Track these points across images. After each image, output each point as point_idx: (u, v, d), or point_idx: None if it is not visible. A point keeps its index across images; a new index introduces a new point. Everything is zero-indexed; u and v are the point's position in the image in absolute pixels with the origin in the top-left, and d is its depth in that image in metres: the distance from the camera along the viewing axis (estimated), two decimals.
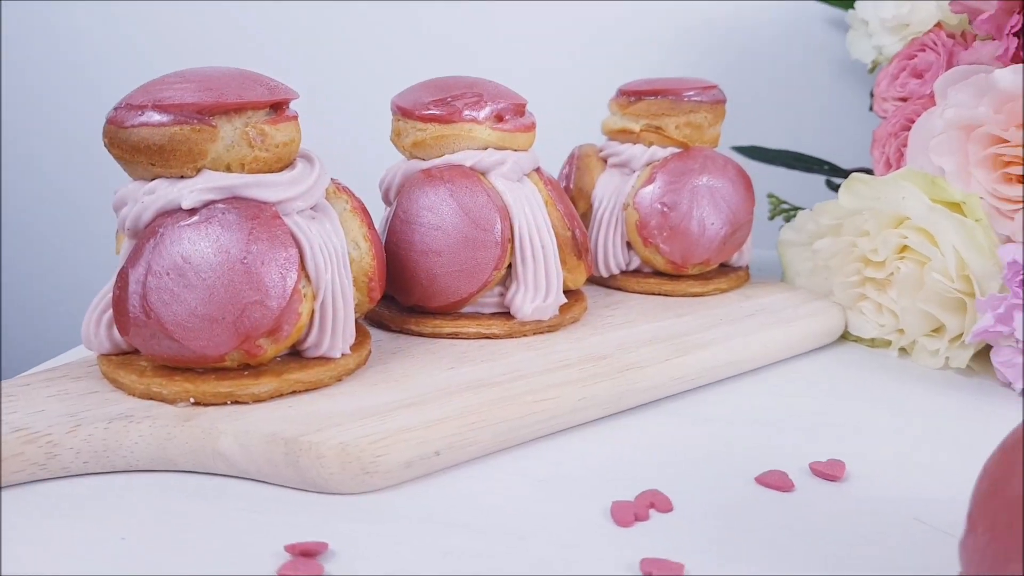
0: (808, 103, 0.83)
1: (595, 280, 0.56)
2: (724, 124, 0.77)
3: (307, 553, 0.28)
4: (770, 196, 0.67)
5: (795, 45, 0.82)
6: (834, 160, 0.69)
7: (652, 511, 0.32)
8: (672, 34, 0.84)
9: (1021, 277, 0.42)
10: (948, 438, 0.39)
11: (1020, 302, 0.43)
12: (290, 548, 0.29)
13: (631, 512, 0.32)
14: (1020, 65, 0.49)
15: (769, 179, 0.74)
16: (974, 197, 0.48)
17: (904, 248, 0.49)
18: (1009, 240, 0.49)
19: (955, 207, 0.49)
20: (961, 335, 0.47)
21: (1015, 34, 0.51)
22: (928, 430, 0.40)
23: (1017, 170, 0.48)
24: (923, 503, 0.33)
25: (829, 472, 0.35)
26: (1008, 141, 0.49)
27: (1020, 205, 0.48)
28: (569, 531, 0.31)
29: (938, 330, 0.49)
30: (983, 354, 0.48)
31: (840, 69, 0.81)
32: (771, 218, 0.68)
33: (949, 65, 0.58)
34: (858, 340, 0.52)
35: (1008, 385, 0.45)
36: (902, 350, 0.50)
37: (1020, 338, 0.43)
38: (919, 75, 0.60)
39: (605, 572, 0.28)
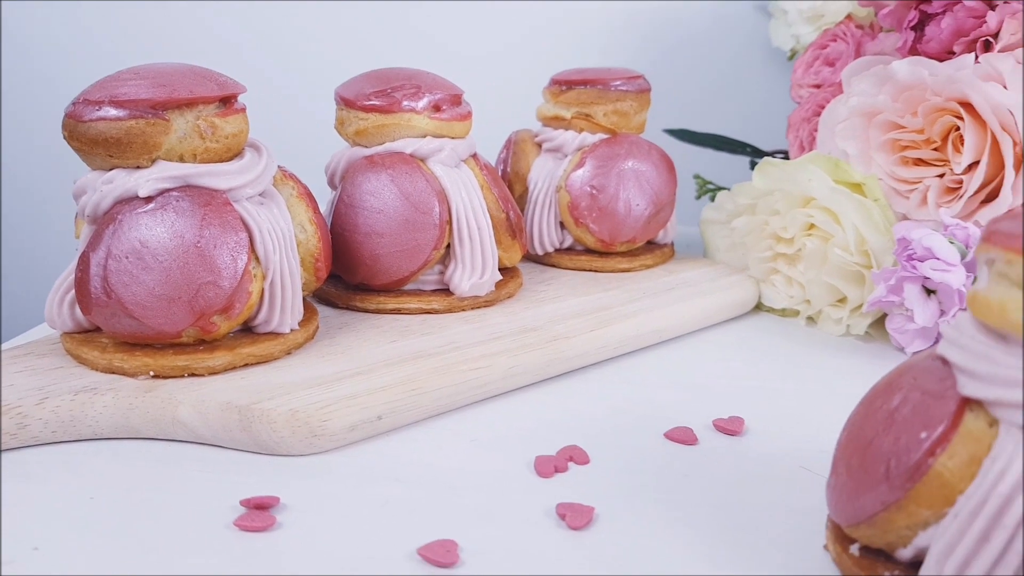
0: (735, 89, 0.87)
1: (531, 258, 0.60)
2: (657, 108, 0.81)
3: (260, 506, 0.32)
4: (696, 177, 0.71)
5: (723, 34, 0.87)
6: (757, 143, 0.74)
7: (571, 464, 0.36)
8: (607, 24, 0.87)
9: (909, 252, 0.47)
10: (841, 396, 0.44)
11: (909, 274, 0.47)
12: (245, 502, 0.32)
13: (551, 465, 0.36)
14: (917, 57, 0.54)
15: (698, 161, 0.78)
16: (873, 179, 0.53)
17: (811, 226, 0.54)
18: (906, 218, 0.54)
19: (857, 188, 0.53)
20: (861, 305, 0.52)
21: (912, 27, 0.55)
22: (824, 390, 0.45)
23: (913, 154, 0.53)
24: (812, 453, 0.38)
25: (729, 427, 0.39)
26: (905, 127, 0.53)
27: (916, 186, 0.53)
28: (495, 482, 0.35)
29: (842, 301, 0.53)
30: (881, 322, 0.53)
31: (766, 57, 0.86)
32: (698, 198, 0.72)
33: (858, 55, 0.63)
34: (770, 310, 0.57)
35: (901, 349, 0.50)
36: (809, 319, 0.55)
37: (910, 307, 0.48)
38: (831, 64, 0.65)
39: (525, 515, 0.32)
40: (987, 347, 0.25)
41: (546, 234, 0.58)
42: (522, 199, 0.59)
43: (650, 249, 0.61)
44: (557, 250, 0.59)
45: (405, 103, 0.48)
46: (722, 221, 0.61)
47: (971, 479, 0.25)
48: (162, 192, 0.39)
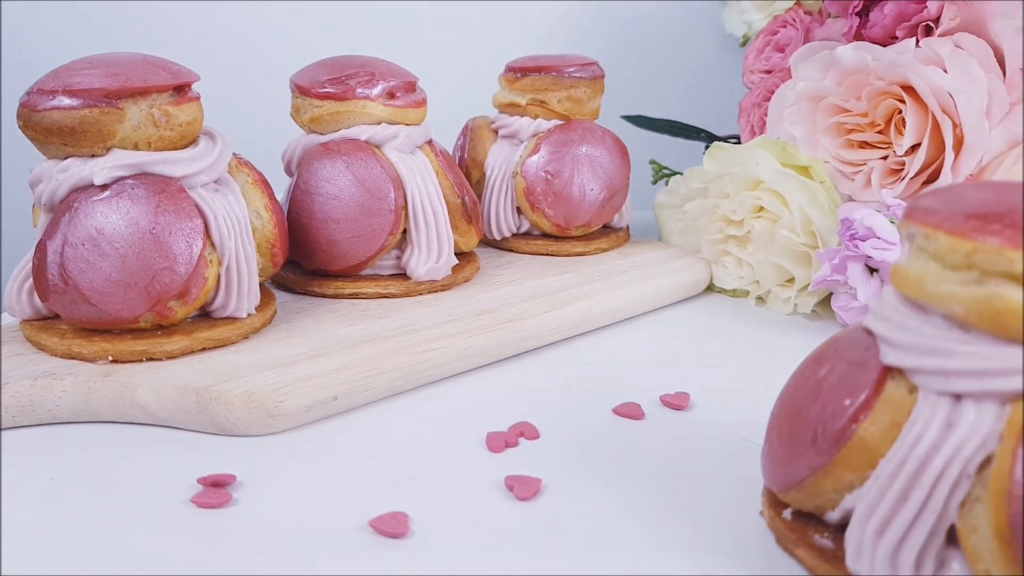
0: (691, 75, 0.89)
1: (489, 242, 0.61)
2: (615, 95, 0.82)
3: (217, 484, 0.33)
4: (652, 162, 0.72)
5: (679, 22, 0.88)
6: (712, 128, 0.75)
7: (521, 439, 0.37)
8: (566, 12, 0.88)
9: (851, 232, 0.49)
10: (786, 372, 0.45)
11: (851, 254, 0.49)
12: (202, 480, 0.33)
13: (502, 440, 0.37)
14: (861, 42, 0.56)
15: (655, 147, 0.80)
16: (819, 162, 0.55)
17: (759, 208, 0.55)
18: (851, 199, 0.55)
19: (803, 171, 0.55)
20: (808, 285, 0.54)
21: (857, 13, 0.57)
22: (770, 366, 0.46)
23: (858, 136, 0.55)
24: (753, 426, 0.39)
25: (676, 402, 0.41)
26: (850, 111, 0.55)
27: (860, 168, 0.54)
28: (448, 457, 0.36)
29: (790, 281, 0.55)
30: (827, 300, 0.54)
31: (720, 44, 0.87)
32: (654, 183, 0.73)
33: (806, 40, 0.64)
34: (721, 291, 0.58)
35: (845, 326, 0.52)
36: (759, 299, 0.57)
37: (853, 285, 0.49)
38: (781, 49, 0.66)
39: (475, 488, 0.33)
40: (907, 318, 0.27)
41: (503, 219, 0.59)
42: (479, 185, 0.60)
43: (605, 233, 0.62)
44: (514, 235, 0.60)
45: (359, 90, 0.48)
46: (675, 205, 0.62)
47: (892, 443, 0.26)
48: (117, 180, 0.39)
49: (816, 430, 0.27)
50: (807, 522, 0.29)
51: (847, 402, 0.27)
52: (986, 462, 0.24)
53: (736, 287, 0.57)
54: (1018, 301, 0.24)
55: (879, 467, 0.26)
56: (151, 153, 0.40)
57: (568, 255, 0.59)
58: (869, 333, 0.28)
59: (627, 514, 0.32)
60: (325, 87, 0.48)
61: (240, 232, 0.41)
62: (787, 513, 0.30)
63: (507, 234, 0.60)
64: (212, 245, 0.41)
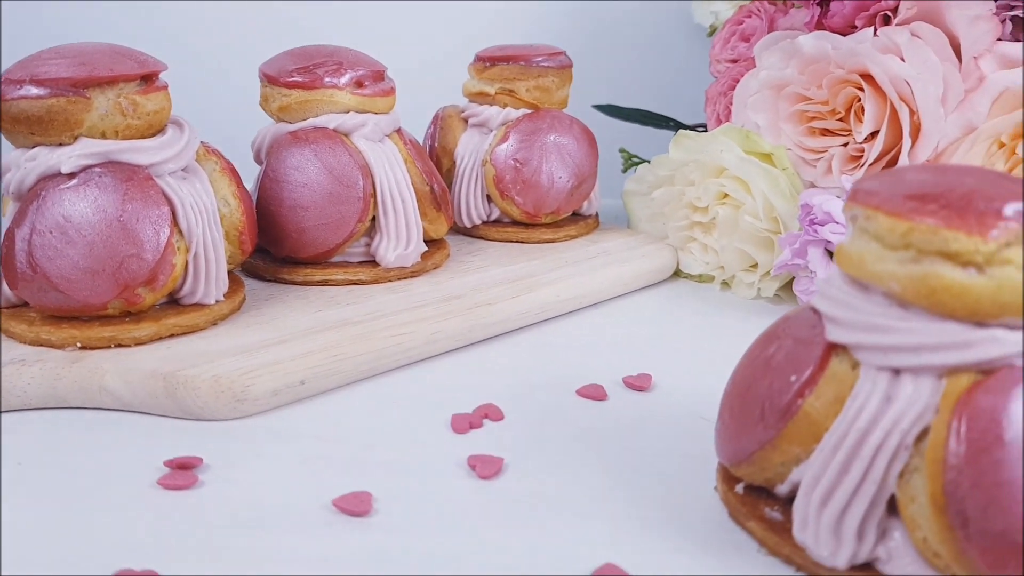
0: (661, 65, 0.90)
1: (459, 230, 0.62)
2: (587, 84, 0.83)
3: (184, 466, 0.33)
4: (622, 151, 0.73)
5: (649, 12, 0.89)
6: (681, 117, 0.76)
7: (485, 420, 0.38)
8: (536, 1, 0.89)
9: (811, 217, 0.50)
10: None
11: (811, 238, 0.50)
12: (168, 463, 0.34)
13: (467, 422, 0.38)
14: (822, 32, 0.57)
15: (625, 135, 0.80)
16: (781, 149, 0.56)
17: (723, 195, 0.56)
18: (813, 185, 0.56)
19: (766, 158, 0.56)
20: (771, 269, 0.55)
21: (818, 3, 0.58)
22: (732, 349, 0.47)
23: (819, 124, 0.56)
24: (713, 406, 0.39)
25: (638, 384, 0.42)
26: (811, 99, 0.56)
27: (821, 155, 0.55)
28: (413, 439, 0.36)
29: (753, 266, 0.56)
30: (789, 285, 0.55)
31: (689, 33, 0.88)
32: (624, 171, 0.74)
33: (770, 30, 0.65)
34: (688, 276, 0.59)
35: None
36: (724, 284, 0.58)
37: (813, 269, 0.51)
38: (746, 39, 0.67)
39: (438, 468, 0.34)
40: (850, 296, 0.28)
41: (473, 207, 0.60)
42: (450, 173, 0.61)
43: (575, 220, 0.63)
44: (484, 222, 0.61)
45: (327, 79, 0.49)
46: (643, 193, 0.63)
47: (836, 417, 0.27)
48: (85, 168, 0.40)
49: (764, 406, 0.28)
50: (758, 496, 0.30)
51: (793, 378, 0.28)
52: (923, 434, 0.25)
53: (702, 272, 0.58)
54: (953, 279, 0.25)
55: (823, 440, 0.27)
56: (118, 142, 0.40)
57: (537, 242, 0.60)
58: (816, 312, 0.29)
59: (586, 491, 0.33)
60: (293, 76, 0.49)
61: (208, 220, 0.42)
62: (739, 487, 0.31)
63: (477, 222, 0.60)
64: (180, 232, 0.41)
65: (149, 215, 0.39)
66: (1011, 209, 0.25)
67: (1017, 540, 0.23)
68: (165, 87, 0.43)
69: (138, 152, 0.40)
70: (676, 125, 0.74)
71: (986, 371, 0.25)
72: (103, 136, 0.40)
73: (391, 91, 0.52)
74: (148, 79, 0.42)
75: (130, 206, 0.39)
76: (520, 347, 0.47)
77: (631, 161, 0.73)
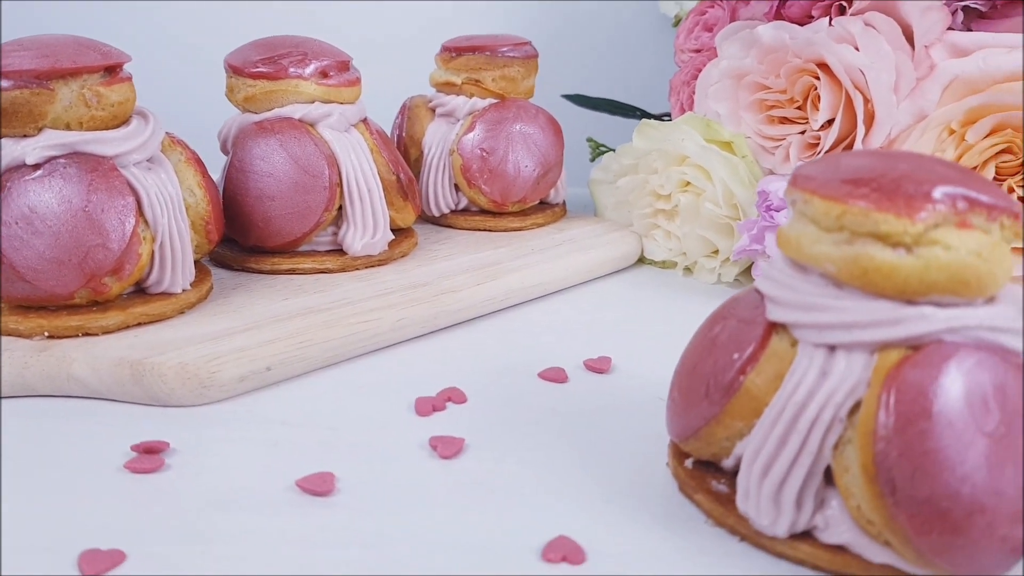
0: (629, 55, 0.91)
1: (428, 219, 0.62)
2: (556, 74, 0.84)
3: (151, 450, 0.34)
4: (589, 140, 0.74)
5: (617, 3, 0.90)
6: (648, 107, 0.77)
7: (449, 403, 0.39)
8: None
9: (767, 203, 0.51)
10: None
11: (768, 224, 0.51)
12: (135, 447, 0.34)
13: (430, 405, 0.39)
14: (780, 22, 0.58)
15: (594, 124, 0.81)
16: (740, 137, 0.57)
17: (685, 183, 0.57)
18: (772, 172, 0.57)
19: (726, 146, 0.57)
20: (731, 255, 0.56)
21: None
22: (691, 332, 0.48)
23: (778, 112, 0.57)
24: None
25: (598, 366, 0.43)
26: (770, 88, 0.57)
27: (780, 143, 0.57)
28: (376, 422, 0.37)
29: (715, 252, 0.57)
30: (749, 270, 0.57)
31: (656, 24, 0.89)
32: (592, 160, 0.75)
33: (732, 20, 0.66)
34: (652, 263, 0.60)
35: None
36: (686, 269, 0.59)
37: (770, 254, 0.52)
38: (709, 29, 0.68)
39: (400, 449, 0.35)
40: (790, 277, 0.29)
41: (441, 196, 0.61)
42: (418, 163, 0.62)
43: (542, 209, 0.64)
44: (453, 211, 0.62)
45: (292, 70, 0.49)
46: (609, 181, 0.64)
47: (776, 392, 0.28)
48: (49, 159, 0.40)
49: (709, 383, 0.30)
50: (706, 470, 0.32)
51: (735, 356, 0.29)
52: (856, 407, 0.26)
53: (665, 259, 0.59)
54: (883, 259, 0.26)
55: (763, 415, 0.28)
56: (83, 133, 0.41)
57: (505, 230, 0.61)
58: (759, 293, 0.30)
59: (543, 469, 0.34)
60: (258, 67, 0.49)
61: (173, 209, 0.42)
62: (689, 462, 0.32)
63: (445, 210, 0.61)
64: (145, 222, 0.42)
65: (114, 205, 0.40)
66: (940, 192, 0.26)
67: (942, 506, 0.24)
68: (129, 78, 0.43)
69: (102, 143, 0.41)
70: (643, 114, 0.75)
71: (915, 347, 0.26)
72: (67, 127, 0.41)
73: (357, 81, 0.52)
74: (112, 70, 0.42)
75: (95, 196, 0.40)
76: (485, 333, 0.48)
77: (599, 150, 0.74)
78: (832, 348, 0.27)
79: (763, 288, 0.30)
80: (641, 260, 0.61)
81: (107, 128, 0.42)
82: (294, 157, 0.48)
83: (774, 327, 0.29)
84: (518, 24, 0.90)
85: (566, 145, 0.65)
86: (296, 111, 0.50)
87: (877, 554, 0.27)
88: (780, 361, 0.28)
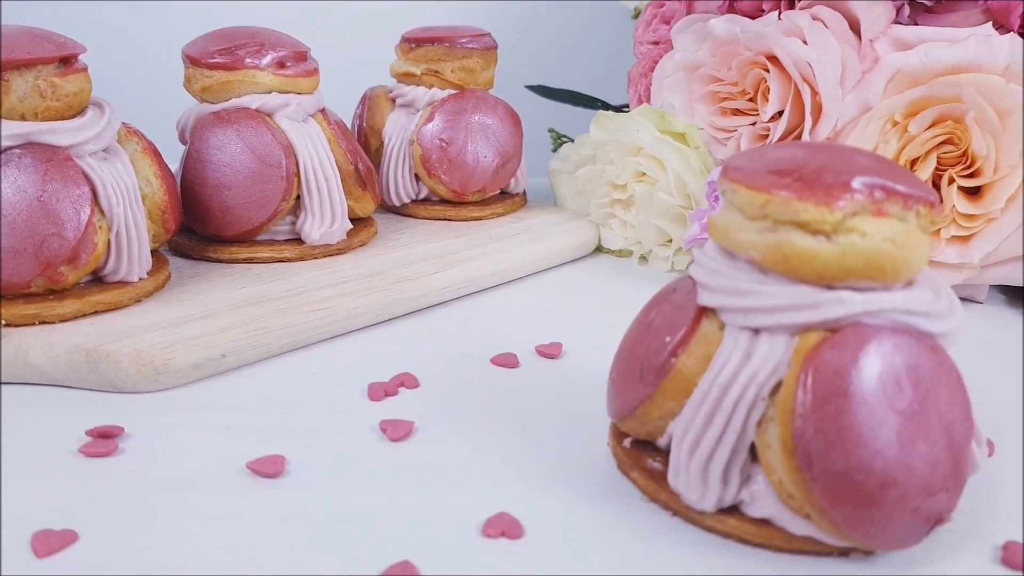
0: (591, 47, 0.92)
1: (389, 208, 0.63)
2: (521, 65, 0.84)
3: (105, 435, 0.35)
4: (551, 131, 0.75)
5: None
6: (609, 98, 0.78)
7: (401, 388, 0.40)
8: None
9: (716, 193, 0.52)
10: None
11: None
12: (90, 432, 0.35)
13: (383, 390, 0.39)
14: (732, 15, 0.59)
15: (558, 115, 0.83)
16: (693, 128, 0.58)
17: (641, 173, 0.58)
18: (723, 163, 0.59)
19: (680, 137, 0.58)
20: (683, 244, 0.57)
21: None
22: None
23: (730, 104, 0.58)
24: None
25: (549, 352, 0.44)
26: (722, 80, 0.58)
27: (732, 134, 0.58)
28: (329, 407, 0.38)
29: (669, 241, 0.59)
30: None
31: (618, 16, 0.90)
32: (554, 150, 0.76)
33: (689, 13, 0.68)
34: (608, 251, 0.62)
35: None
36: (642, 258, 0.60)
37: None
38: (667, 21, 0.69)
39: (351, 432, 0.36)
40: (720, 264, 0.30)
41: (401, 186, 0.61)
42: (378, 153, 0.62)
43: (502, 198, 0.64)
44: (413, 201, 0.63)
45: (248, 60, 0.50)
46: (568, 171, 0.65)
47: (704, 373, 0.29)
48: (4, 150, 0.41)
49: (643, 365, 0.31)
50: (643, 449, 0.33)
51: (668, 339, 0.30)
52: (778, 386, 0.28)
53: (621, 247, 0.60)
54: (803, 246, 0.27)
55: (693, 395, 0.29)
56: (38, 123, 0.41)
57: (465, 220, 0.62)
58: (692, 279, 0.31)
59: (490, 450, 0.35)
60: (215, 57, 0.50)
61: (129, 199, 0.43)
62: (627, 442, 0.33)
63: (406, 200, 0.62)
64: (101, 212, 0.42)
65: (69, 195, 0.41)
66: (858, 182, 0.27)
67: (854, 479, 0.26)
68: (84, 69, 0.43)
69: (58, 133, 0.41)
70: (604, 105, 0.77)
71: (833, 329, 0.27)
72: (22, 118, 0.41)
73: (314, 72, 0.53)
74: (67, 61, 0.43)
75: (50, 186, 0.40)
76: (441, 320, 0.49)
77: (560, 141, 0.75)
78: (756, 331, 0.28)
79: (695, 274, 0.31)
80: (599, 249, 0.62)
81: (62, 118, 0.42)
82: (251, 147, 0.49)
83: (704, 311, 0.30)
84: (483, 15, 0.90)
85: (529, 135, 0.66)
86: (253, 101, 0.50)
87: (799, 527, 0.28)
88: (709, 344, 0.30)
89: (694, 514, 0.30)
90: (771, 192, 0.28)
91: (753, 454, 0.29)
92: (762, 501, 0.29)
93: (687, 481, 0.29)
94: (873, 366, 0.26)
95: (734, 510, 0.29)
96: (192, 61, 0.51)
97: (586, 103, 0.78)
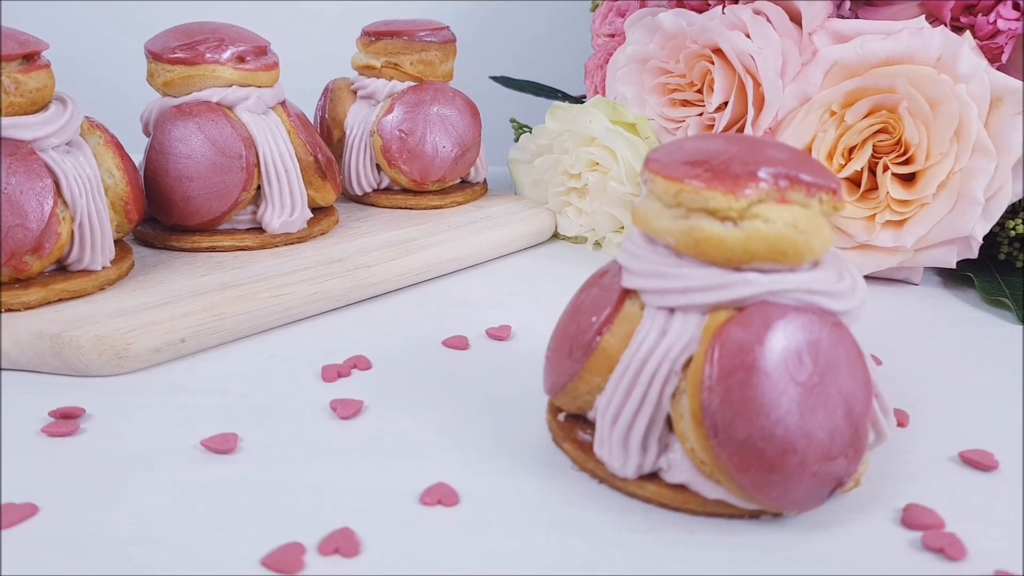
0: (554, 39, 0.94)
1: (351, 198, 0.65)
2: (486, 57, 0.86)
3: (67, 416, 0.37)
4: (512, 121, 0.77)
5: None
6: (571, 89, 0.80)
7: (354, 370, 0.42)
8: None
9: None
10: None
11: None
12: (53, 413, 0.37)
13: (335, 371, 0.41)
14: (680, 8, 0.61)
15: (522, 106, 0.84)
16: (644, 119, 0.60)
17: (594, 163, 0.60)
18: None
19: (631, 128, 0.60)
20: None
21: None
22: None
23: (679, 96, 0.60)
24: None
25: (499, 334, 0.46)
26: (671, 72, 0.61)
27: (680, 124, 0.60)
28: (283, 388, 0.40)
29: (621, 228, 0.61)
30: None
31: (579, 8, 0.92)
32: (516, 140, 0.78)
33: (643, 6, 0.70)
34: (565, 238, 0.64)
35: None
36: (596, 244, 0.62)
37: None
38: (622, 14, 0.71)
39: (303, 411, 0.38)
40: (641, 249, 0.32)
41: (363, 175, 0.63)
42: (341, 143, 0.64)
43: (462, 187, 0.66)
44: (375, 190, 0.64)
45: (208, 55, 0.51)
46: (526, 161, 0.67)
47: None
48: None
49: (572, 343, 0.33)
50: (575, 422, 0.35)
51: (594, 319, 0.32)
52: (689, 361, 0.30)
53: (577, 234, 0.63)
54: (712, 231, 0.29)
55: (615, 370, 0.31)
56: (1, 119, 0.43)
57: (426, 208, 0.64)
58: (618, 264, 0.34)
59: (434, 426, 0.37)
60: (175, 52, 0.51)
61: (91, 191, 0.45)
62: (561, 416, 0.35)
63: (367, 189, 0.64)
64: (64, 203, 0.44)
65: (32, 187, 0.42)
66: (764, 172, 0.30)
67: (757, 446, 0.28)
68: (47, 65, 0.45)
69: (21, 128, 0.43)
70: (564, 97, 0.79)
71: (740, 308, 0.29)
72: None
73: (274, 66, 0.55)
74: (30, 58, 0.44)
75: (14, 179, 0.42)
76: (399, 305, 0.51)
77: (521, 131, 0.77)
78: (672, 310, 0.30)
79: (620, 259, 0.33)
80: (556, 236, 0.64)
81: (26, 113, 0.44)
82: (211, 139, 0.51)
83: (628, 293, 0.32)
84: (449, 9, 0.92)
85: (493, 125, 0.67)
86: (214, 95, 0.52)
87: (711, 491, 0.30)
88: (631, 323, 0.32)
89: (617, 481, 0.32)
90: (683, 181, 0.30)
91: (670, 424, 0.31)
92: (678, 468, 0.31)
93: (610, 450, 0.31)
94: (775, 341, 0.29)
95: (654, 477, 0.32)
96: (154, 56, 0.52)
97: (548, 94, 0.80)
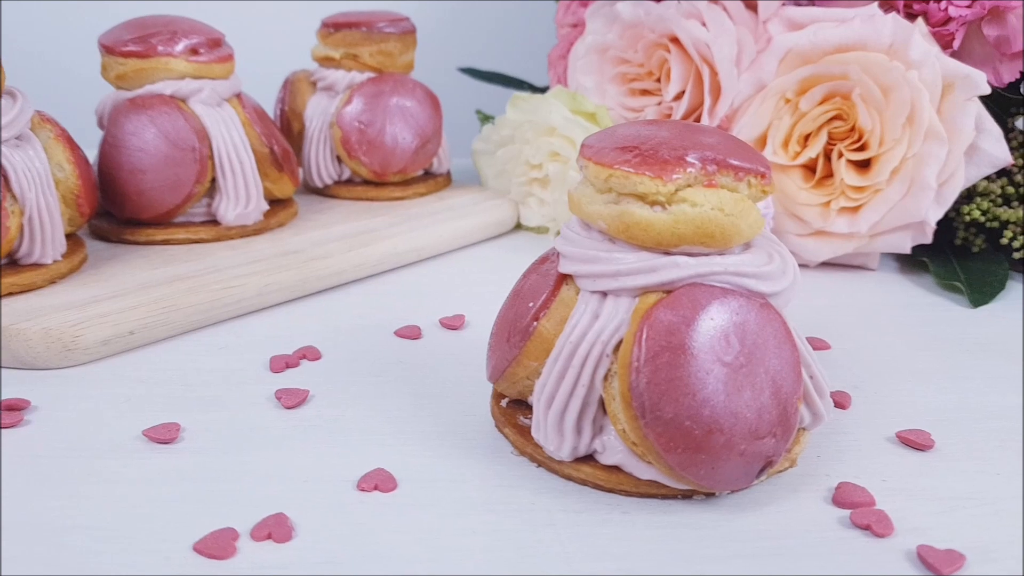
0: (520, 30, 0.94)
1: (313, 190, 0.65)
2: (456, 48, 0.86)
3: (11, 408, 0.37)
4: (478, 112, 0.77)
5: None
6: (536, 80, 0.81)
7: (303, 360, 0.42)
8: None
9: None
10: None
11: None
12: None
13: (284, 362, 0.42)
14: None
15: (488, 97, 0.84)
16: (603, 109, 0.60)
17: (555, 153, 0.61)
18: None
19: (591, 117, 0.61)
20: None
21: None
22: None
23: (638, 85, 0.60)
24: None
25: (452, 323, 0.46)
26: (630, 61, 0.61)
27: (640, 113, 0.60)
28: (229, 379, 0.40)
29: None
30: None
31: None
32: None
33: None
34: (527, 228, 0.64)
35: None
36: (558, 234, 0.62)
37: None
38: (585, 4, 0.71)
39: (248, 401, 0.38)
40: (577, 235, 0.32)
41: (323, 167, 0.63)
42: (301, 135, 0.64)
43: (425, 179, 0.66)
44: (336, 182, 0.64)
45: (161, 48, 0.51)
46: (490, 151, 0.67)
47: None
48: None
49: (511, 329, 0.33)
50: (518, 408, 0.35)
51: (531, 305, 0.33)
52: (620, 344, 0.30)
53: (539, 224, 0.63)
54: (642, 215, 0.30)
55: (551, 354, 0.32)
56: None
57: (387, 199, 0.64)
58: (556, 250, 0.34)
59: (378, 414, 0.37)
60: (128, 46, 0.51)
61: (41, 184, 0.45)
62: (504, 402, 0.36)
63: (328, 181, 0.64)
64: (13, 197, 0.44)
65: None
66: (692, 157, 0.30)
67: (683, 425, 0.28)
68: None
69: None
70: (531, 88, 0.79)
71: (668, 291, 0.30)
72: None
73: (229, 57, 0.54)
74: None
75: None
76: (354, 296, 0.51)
77: (486, 122, 0.77)
78: (604, 294, 0.31)
79: (557, 245, 0.33)
80: (519, 226, 0.64)
81: None
82: (164, 132, 0.51)
83: (565, 278, 0.32)
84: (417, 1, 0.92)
85: (462, 117, 0.67)
86: (167, 87, 0.52)
87: (643, 471, 0.31)
88: (566, 307, 0.32)
89: (554, 464, 0.32)
90: (614, 167, 0.30)
91: (604, 407, 0.31)
92: (612, 450, 0.31)
93: (545, 433, 0.31)
94: (702, 323, 0.29)
95: (589, 459, 0.32)
96: (107, 50, 0.52)
97: (514, 85, 0.80)
